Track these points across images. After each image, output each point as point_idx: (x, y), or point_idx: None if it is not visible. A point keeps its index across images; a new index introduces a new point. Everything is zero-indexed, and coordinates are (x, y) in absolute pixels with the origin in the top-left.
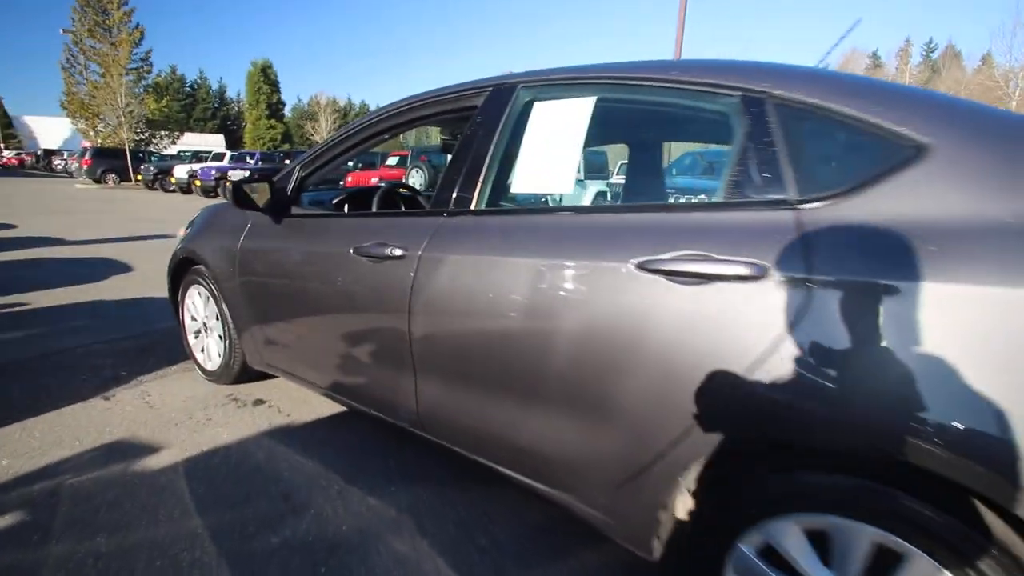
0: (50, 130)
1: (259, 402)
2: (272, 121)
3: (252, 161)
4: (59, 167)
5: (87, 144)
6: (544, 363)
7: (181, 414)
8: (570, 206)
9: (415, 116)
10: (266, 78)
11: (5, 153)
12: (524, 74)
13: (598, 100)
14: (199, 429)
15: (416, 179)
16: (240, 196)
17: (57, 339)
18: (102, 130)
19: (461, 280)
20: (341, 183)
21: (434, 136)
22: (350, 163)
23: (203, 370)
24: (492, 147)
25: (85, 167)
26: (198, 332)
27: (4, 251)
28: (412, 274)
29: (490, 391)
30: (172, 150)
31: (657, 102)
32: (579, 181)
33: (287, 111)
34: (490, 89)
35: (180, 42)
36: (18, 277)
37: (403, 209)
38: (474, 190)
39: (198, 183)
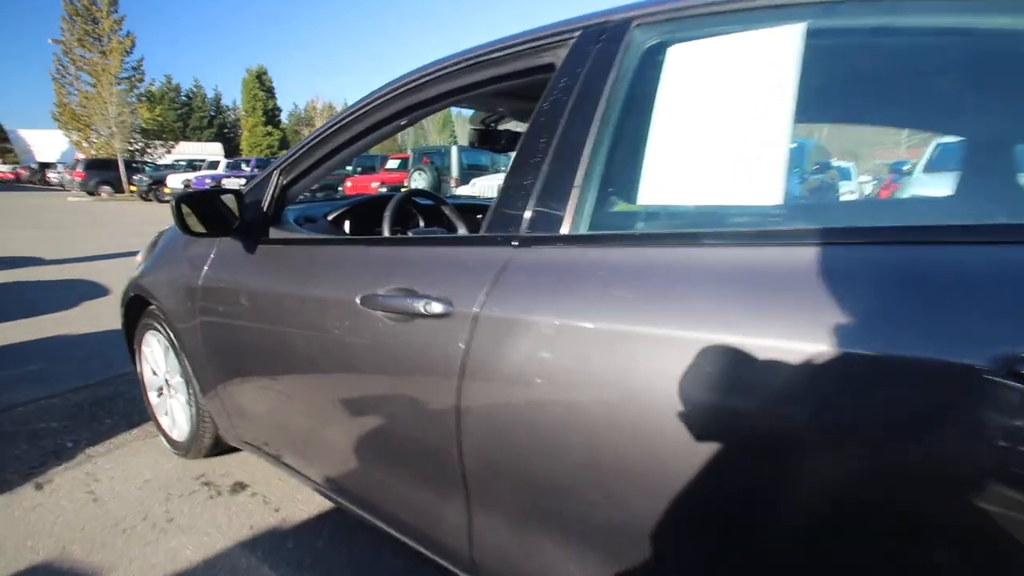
0: (46, 143)
1: (239, 487)
2: (269, 128)
3: (248, 168)
4: (54, 180)
5: (80, 156)
6: (769, 519)
7: (134, 511)
8: (843, 229)
9: (445, 90)
10: (261, 84)
11: (1, 167)
12: (636, 6)
13: (809, 33)
14: (156, 538)
15: (419, 183)
16: (189, 216)
17: None
18: (95, 141)
19: (561, 361)
20: (340, 189)
21: (434, 135)
22: (348, 167)
23: (168, 439)
24: (595, 127)
25: (78, 179)
26: (160, 390)
27: None
28: (463, 345)
29: (636, 548)
30: (167, 159)
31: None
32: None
33: (284, 117)
34: (578, 35)
35: (174, 51)
36: None
37: (427, 229)
38: (566, 202)
39: None
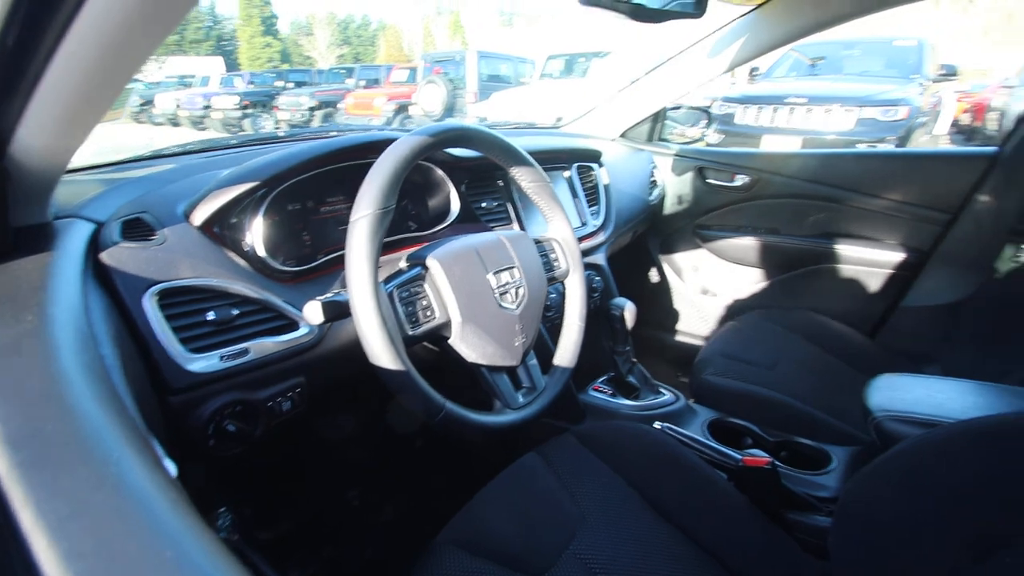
0: None
1: None
2: (268, 38)
3: (245, 84)
4: None
5: None
6: None
7: None
8: None
9: None
10: None
11: None
12: None
13: None
14: None
15: (430, 99)
16: None
17: None
18: None
19: None
20: (340, 107)
21: (444, 43)
22: (349, 80)
23: None
24: None
25: None
26: None
27: None
28: None
29: None
30: (158, 77)
31: None
32: None
33: (285, 27)
34: None
35: None
36: None
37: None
38: None
39: (185, 114)
